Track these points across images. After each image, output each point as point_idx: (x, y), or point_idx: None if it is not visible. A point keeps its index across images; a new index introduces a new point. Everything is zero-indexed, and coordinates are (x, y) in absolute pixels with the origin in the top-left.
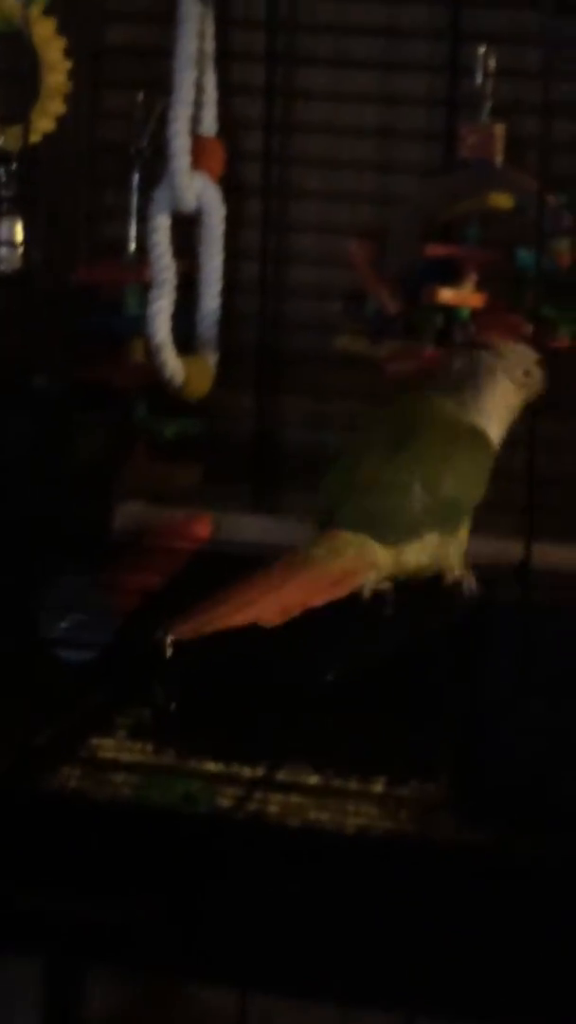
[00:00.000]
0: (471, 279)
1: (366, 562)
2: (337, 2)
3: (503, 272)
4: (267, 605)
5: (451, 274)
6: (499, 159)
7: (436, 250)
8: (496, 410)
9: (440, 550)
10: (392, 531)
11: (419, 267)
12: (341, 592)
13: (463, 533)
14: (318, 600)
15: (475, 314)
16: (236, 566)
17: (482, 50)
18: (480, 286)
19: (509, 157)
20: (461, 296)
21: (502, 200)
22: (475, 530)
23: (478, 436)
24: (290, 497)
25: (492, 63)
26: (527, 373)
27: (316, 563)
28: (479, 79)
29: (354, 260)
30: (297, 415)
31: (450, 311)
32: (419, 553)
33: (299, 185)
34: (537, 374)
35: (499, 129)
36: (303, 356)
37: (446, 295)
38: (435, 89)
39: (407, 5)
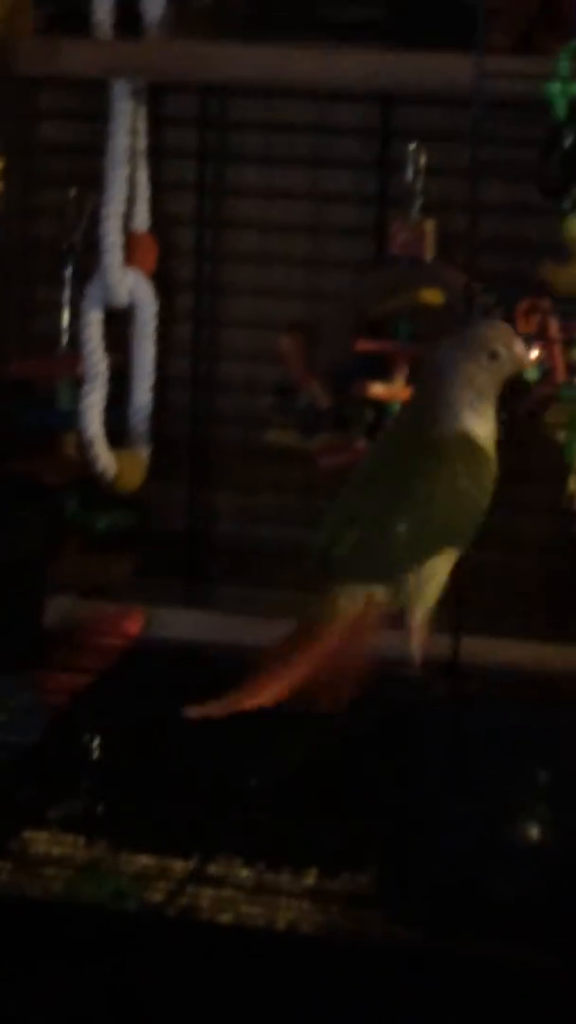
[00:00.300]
0: (401, 373)
1: (372, 614)
2: (268, 99)
3: None
4: (287, 682)
5: (382, 368)
6: (429, 255)
7: (367, 345)
8: (471, 404)
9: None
10: (388, 572)
11: (350, 361)
12: (360, 647)
13: (444, 567)
14: (340, 664)
15: None
16: (168, 662)
17: (412, 147)
18: (410, 380)
19: (439, 253)
20: (391, 390)
21: (432, 296)
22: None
23: (461, 445)
24: (223, 591)
25: (422, 160)
26: (493, 355)
27: (325, 631)
28: (409, 176)
29: (285, 354)
30: (229, 509)
31: (381, 405)
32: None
33: (230, 280)
34: (507, 352)
35: (429, 226)
36: (235, 450)
37: (377, 389)
38: (366, 186)
39: (338, 103)
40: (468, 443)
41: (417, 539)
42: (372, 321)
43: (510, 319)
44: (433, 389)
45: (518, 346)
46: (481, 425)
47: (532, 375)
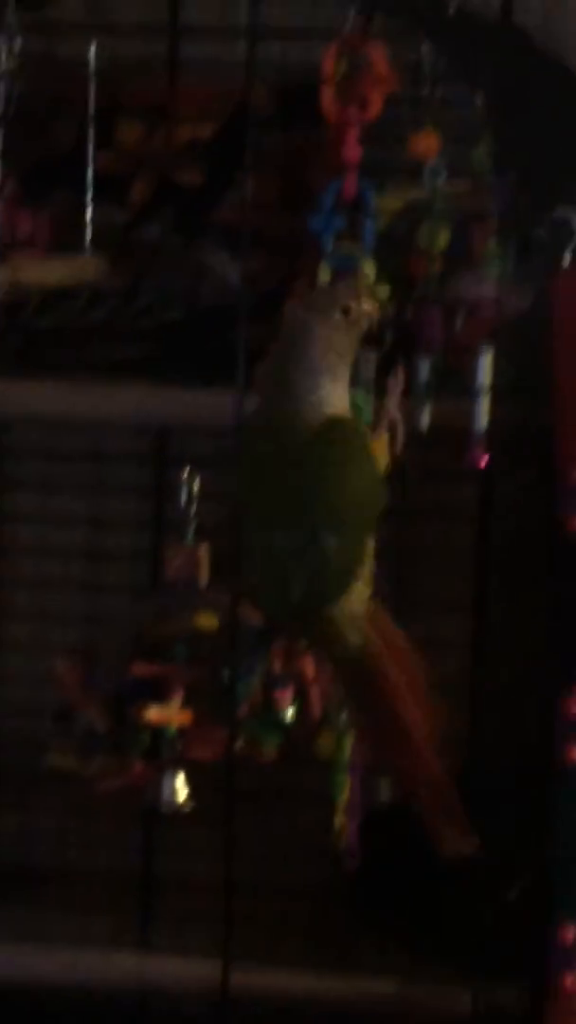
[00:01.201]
0: (178, 696)
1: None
2: (48, 430)
3: (208, 689)
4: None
5: (158, 691)
6: (203, 579)
7: (143, 669)
8: (331, 370)
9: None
10: (344, 583)
11: (127, 685)
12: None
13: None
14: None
15: (182, 731)
16: None
17: (186, 474)
18: (186, 703)
19: (213, 577)
20: (167, 714)
21: (207, 620)
22: (170, 948)
23: (334, 429)
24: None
25: (196, 486)
26: (346, 311)
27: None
28: (183, 502)
29: (63, 678)
30: (7, 831)
31: (158, 728)
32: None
33: (9, 606)
34: (357, 306)
35: (203, 550)
36: (13, 773)
37: (153, 714)
38: (141, 512)
39: (113, 434)
40: (339, 425)
41: (347, 538)
42: (149, 645)
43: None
44: (290, 364)
45: (366, 300)
46: (342, 395)
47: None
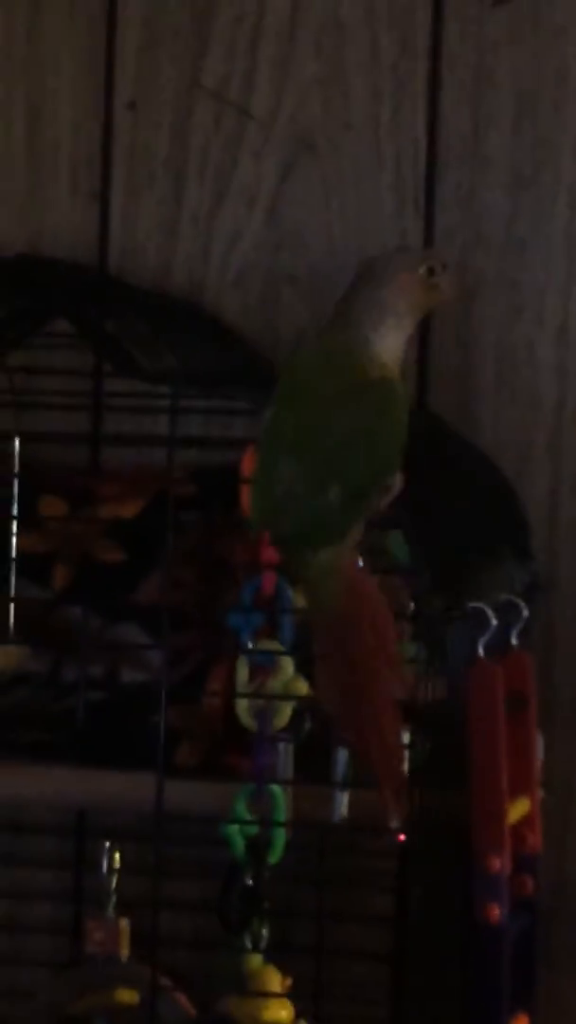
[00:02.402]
0: None
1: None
2: None
3: None
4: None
5: None
6: (124, 952)
7: None
8: (397, 315)
9: None
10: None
11: None
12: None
13: None
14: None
15: None
16: None
17: (106, 845)
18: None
19: (135, 951)
20: None
21: (127, 995)
22: None
23: (380, 391)
24: None
25: (116, 857)
26: (431, 271)
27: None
28: (104, 873)
29: None
30: None
31: None
32: None
33: None
34: (445, 277)
35: (124, 923)
36: None
37: None
38: (61, 882)
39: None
40: (387, 388)
41: (353, 497)
42: (68, 1019)
43: None
44: (360, 296)
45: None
46: (397, 348)
47: None
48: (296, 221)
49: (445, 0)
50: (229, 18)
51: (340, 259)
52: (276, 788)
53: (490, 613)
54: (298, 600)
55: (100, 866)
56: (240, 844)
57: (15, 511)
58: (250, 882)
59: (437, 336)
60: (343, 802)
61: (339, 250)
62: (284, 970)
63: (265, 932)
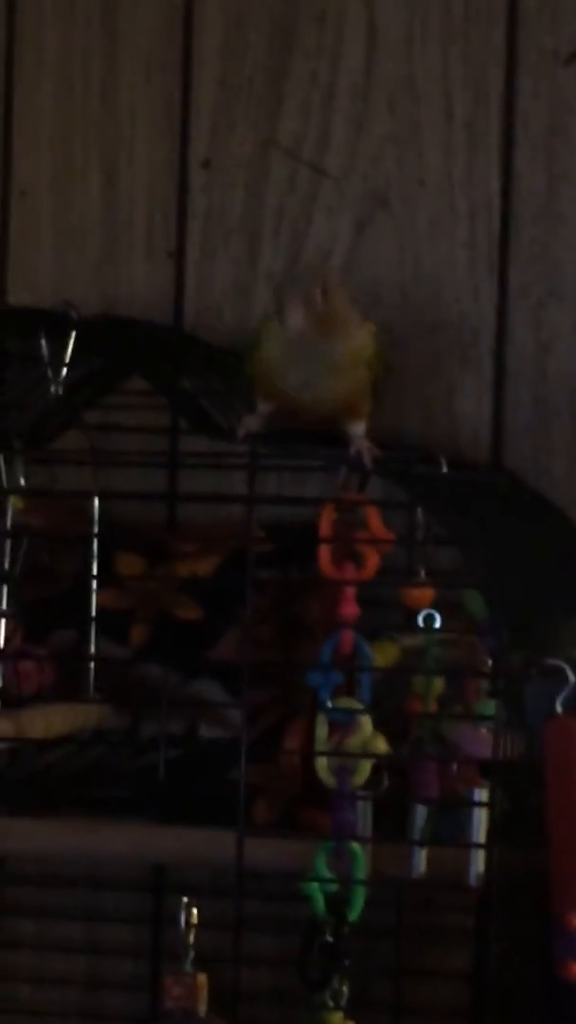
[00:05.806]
0: None
1: None
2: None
3: None
4: None
5: None
6: (203, 1008)
7: None
8: None
9: None
10: None
11: None
12: None
13: None
14: None
15: None
16: None
17: (185, 900)
18: None
19: (212, 1007)
20: None
21: None
22: None
23: None
24: None
25: (194, 913)
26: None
27: None
28: (182, 928)
29: None
30: None
31: None
32: None
33: None
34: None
35: (202, 979)
36: None
37: None
38: (140, 938)
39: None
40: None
41: None
42: None
43: None
44: None
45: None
46: None
47: None
48: (370, 278)
49: (518, 57)
50: (303, 76)
51: (414, 316)
52: (356, 846)
53: (568, 669)
54: (376, 659)
55: (178, 922)
56: (321, 901)
57: (95, 569)
58: (330, 939)
59: (511, 392)
60: (421, 859)
61: (413, 306)
62: None
63: (345, 989)
